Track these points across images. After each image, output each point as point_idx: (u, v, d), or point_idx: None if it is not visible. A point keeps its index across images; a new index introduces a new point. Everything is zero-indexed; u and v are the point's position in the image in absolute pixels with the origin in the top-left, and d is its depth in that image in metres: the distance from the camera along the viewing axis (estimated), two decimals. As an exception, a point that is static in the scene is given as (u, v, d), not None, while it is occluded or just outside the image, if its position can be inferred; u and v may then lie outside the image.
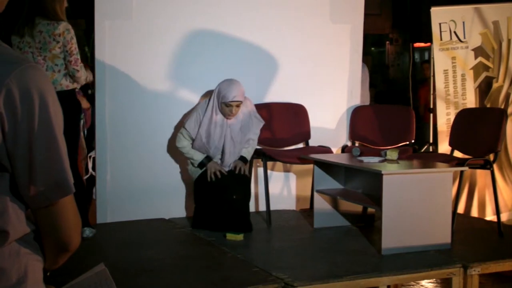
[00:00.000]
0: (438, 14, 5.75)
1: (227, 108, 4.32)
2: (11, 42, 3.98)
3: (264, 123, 4.65)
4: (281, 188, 5.23)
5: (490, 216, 5.48)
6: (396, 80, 11.80)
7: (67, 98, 3.92)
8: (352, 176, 4.50)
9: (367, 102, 6.22)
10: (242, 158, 4.50)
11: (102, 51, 4.60)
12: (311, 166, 4.62)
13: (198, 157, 4.41)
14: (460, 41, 5.76)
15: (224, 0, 4.93)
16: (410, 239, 3.76)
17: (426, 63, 8.38)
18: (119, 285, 1.54)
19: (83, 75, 4.01)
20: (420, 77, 8.65)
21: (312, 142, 5.15)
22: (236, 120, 4.43)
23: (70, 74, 3.95)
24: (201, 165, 4.39)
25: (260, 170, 4.99)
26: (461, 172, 4.48)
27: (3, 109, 1.16)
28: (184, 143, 4.43)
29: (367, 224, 4.54)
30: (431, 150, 6.04)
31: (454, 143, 4.99)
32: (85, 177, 5.09)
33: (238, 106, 4.34)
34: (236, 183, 4.37)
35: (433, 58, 5.85)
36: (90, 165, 5.18)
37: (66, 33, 3.91)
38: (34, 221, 1.27)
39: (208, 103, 4.39)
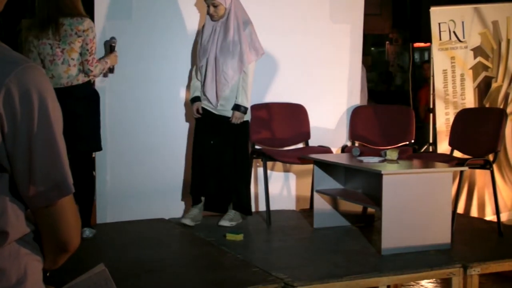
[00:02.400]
0: (437, 14, 5.75)
1: (207, 8, 4.32)
2: (28, 40, 4.01)
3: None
4: (281, 188, 5.23)
5: (489, 216, 5.48)
6: (396, 80, 11.79)
7: (85, 90, 4.08)
8: (352, 176, 4.50)
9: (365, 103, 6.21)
10: (236, 107, 4.35)
11: (102, 51, 4.60)
12: (311, 166, 4.62)
13: (191, 93, 4.49)
14: (460, 41, 5.76)
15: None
16: (410, 239, 3.76)
17: (427, 63, 8.36)
18: (119, 285, 1.54)
19: (98, 73, 4.13)
20: (421, 77, 8.64)
21: (312, 142, 5.15)
22: (224, 26, 4.30)
23: (85, 72, 4.03)
24: (191, 100, 4.49)
25: (260, 170, 4.99)
26: (461, 172, 4.48)
27: (3, 109, 1.16)
28: (193, 74, 4.49)
29: (367, 224, 4.55)
30: (431, 150, 6.04)
31: (454, 143, 4.99)
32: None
33: (215, 6, 4.27)
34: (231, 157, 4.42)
35: (432, 58, 5.85)
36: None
37: (90, 30, 3.99)
38: (34, 222, 1.27)
39: None
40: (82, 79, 4.04)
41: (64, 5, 3.94)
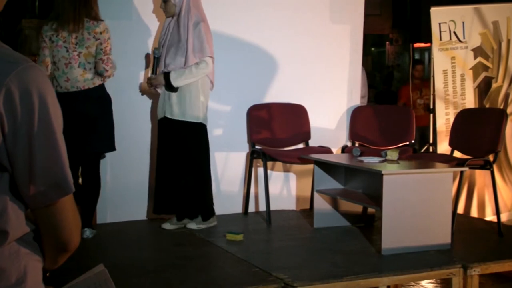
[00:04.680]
0: (437, 14, 5.75)
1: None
2: (42, 33, 4.02)
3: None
4: (281, 188, 5.23)
5: (489, 216, 5.48)
6: (396, 80, 11.80)
7: (101, 92, 4.13)
8: (352, 176, 4.50)
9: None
10: (165, 74, 4.21)
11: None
12: (311, 166, 4.62)
13: None
14: (460, 41, 5.76)
15: (223, 0, 4.94)
16: (410, 239, 3.76)
17: (420, 64, 8.23)
18: (119, 285, 1.54)
19: (111, 73, 4.16)
20: (409, 76, 8.50)
21: (312, 143, 5.15)
22: (176, 23, 4.26)
23: (99, 72, 4.07)
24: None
25: (260, 170, 4.99)
26: (461, 172, 4.48)
27: (3, 109, 1.15)
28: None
29: (367, 224, 4.54)
30: (431, 150, 6.04)
31: (454, 143, 4.99)
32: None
33: (164, 1, 4.25)
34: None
35: (432, 58, 5.85)
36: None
37: (105, 32, 4.07)
38: (34, 221, 1.27)
39: None
40: (97, 82, 4.09)
41: (91, 8, 4.02)
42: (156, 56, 4.35)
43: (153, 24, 4.75)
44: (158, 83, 4.26)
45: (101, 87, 4.15)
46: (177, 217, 4.39)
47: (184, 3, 4.22)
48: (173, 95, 4.25)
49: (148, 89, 4.45)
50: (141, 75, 4.75)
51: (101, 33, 4.04)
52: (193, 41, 4.19)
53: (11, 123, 1.16)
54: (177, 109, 4.25)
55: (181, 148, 4.29)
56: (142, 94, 4.76)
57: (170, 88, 4.22)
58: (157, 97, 4.77)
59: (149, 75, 4.44)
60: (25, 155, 1.18)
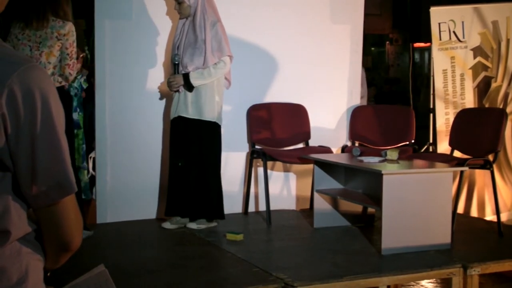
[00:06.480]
0: (437, 13, 5.76)
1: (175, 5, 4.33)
2: (10, 30, 3.96)
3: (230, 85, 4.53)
4: (281, 188, 5.23)
5: (489, 216, 5.49)
6: (396, 80, 11.78)
7: (61, 94, 3.95)
8: (352, 176, 4.50)
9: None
10: (185, 75, 4.26)
11: (102, 51, 4.61)
12: (311, 166, 4.62)
13: None
14: (459, 40, 5.76)
15: (224, 0, 4.93)
16: (410, 239, 3.76)
17: None
18: (119, 285, 1.54)
19: (74, 76, 4.07)
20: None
21: (312, 142, 5.15)
22: (192, 24, 4.28)
23: (64, 76, 3.95)
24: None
25: (260, 169, 4.99)
26: (461, 172, 4.48)
27: (6, 109, 1.16)
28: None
29: (367, 224, 4.54)
30: (431, 150, 6.04)
31: (454, 143, 4.99)
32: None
33: (178, 3, 4.26)
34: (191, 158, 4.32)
35: (432, 58, 5.86)
36: (90, 165, 5.19)
37: (70, 34, 3.91)
38: (36, 221, 1.27)
39: None
40: (53, 83, 3.95)
41: (59, 6, 3.90)
42: (176, 62, 4.33)
43: (153, 24, 4.75)
44: (177, 83, 4.27)
45: (59, 91, 3.99)
46: (189, 218, 4.40)
47: (199, 3, 4.25)
48: (189, 95, 4.28)
49: (170, 91, 4.45)
50: (140, 76, 4.75)
51: (64, 35, 3.88)
52: (211, 41, 4.23)
53: (13, 124, 1.17)
54: (193, 108, 4.29)
55: (195, 147, 4.32)
56: (161, 98, 4.77)
57: (189, 88, 4.26)
58: (159, 99, 4.78)
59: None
60: (28, 155, 1.19)
